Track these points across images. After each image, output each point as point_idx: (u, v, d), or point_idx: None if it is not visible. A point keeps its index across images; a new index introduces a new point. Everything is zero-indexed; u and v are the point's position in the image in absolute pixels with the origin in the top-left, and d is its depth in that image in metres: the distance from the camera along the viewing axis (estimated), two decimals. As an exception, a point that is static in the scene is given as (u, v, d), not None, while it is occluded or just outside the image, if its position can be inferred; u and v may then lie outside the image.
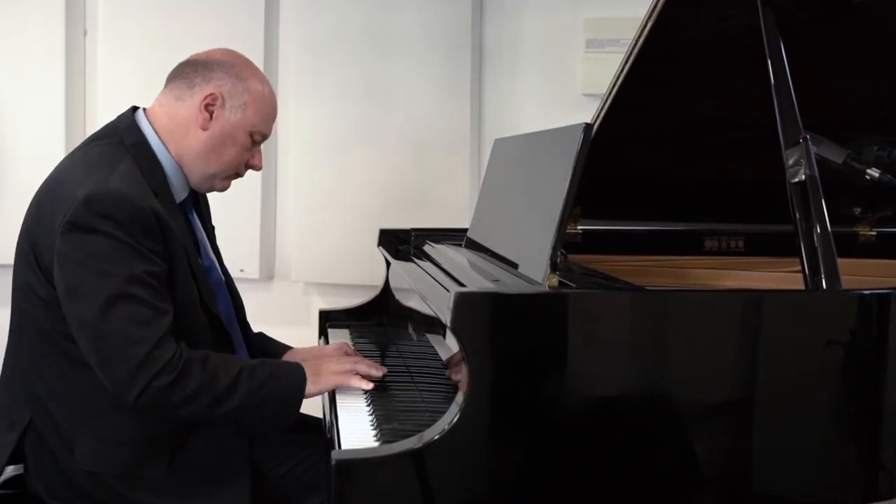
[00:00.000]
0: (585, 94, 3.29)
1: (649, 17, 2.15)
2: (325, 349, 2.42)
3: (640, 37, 2.20)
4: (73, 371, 1.97)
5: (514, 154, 2.35)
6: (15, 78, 3.52)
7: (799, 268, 1.79)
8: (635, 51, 2.22)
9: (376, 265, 2.93)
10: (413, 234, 2.85)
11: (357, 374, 2.09)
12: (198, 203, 2.28)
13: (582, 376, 1.67)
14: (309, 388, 2.02)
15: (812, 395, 1.72)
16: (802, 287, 1.78)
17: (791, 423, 1.72)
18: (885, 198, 2.67)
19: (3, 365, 2.13)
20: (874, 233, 2.77)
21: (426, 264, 2.36)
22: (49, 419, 2.02)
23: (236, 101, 2.11)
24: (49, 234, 1.95)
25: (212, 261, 2.26)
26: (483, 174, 2.70)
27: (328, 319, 2.88)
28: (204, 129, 2.10)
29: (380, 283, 2.87)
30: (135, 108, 2.17)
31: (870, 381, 1.73)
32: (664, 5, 2.10)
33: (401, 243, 2.85)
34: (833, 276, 1.74)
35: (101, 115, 3.49)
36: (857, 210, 2.76)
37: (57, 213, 1.94)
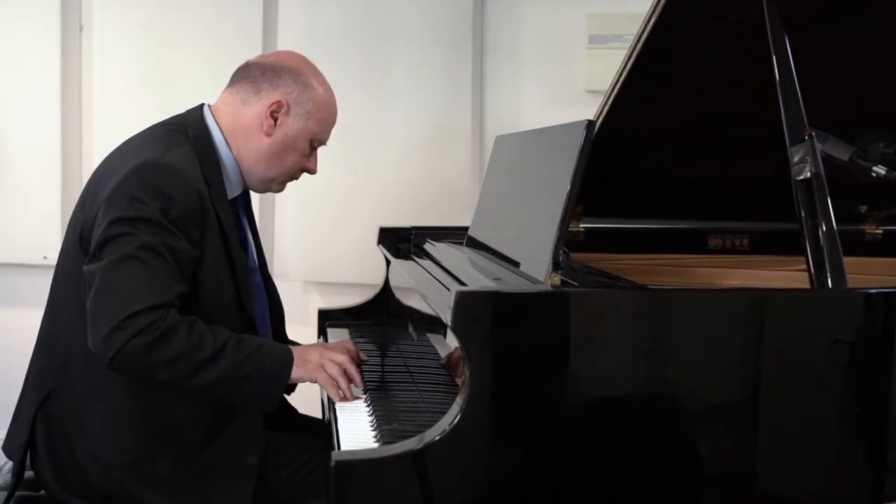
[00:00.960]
0: (588, 91, 3.29)
1: (653, 12, 2.15)
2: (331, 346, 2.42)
3: (643, 32, 2.20)
4: (92, 353, 1.97)
5: (516, 151, 2.35)
6: (10, 73, 3.51)
7: (804, 266, 1.79)
8: (638, 47, 2.22)
9: (376, 264, 2.93)
10: (413, 232, 2.85)
11: (336, 383, 2.05)
12: (248, 205, 2.32)
13: (584, 376, 1.67)
14: (295, 371, 2.02)
15: (817, 396, 1.72)
16: (808, 286, 1.78)
17: (796, 424, 1.72)
18: (891, 195, 2.67)
19: (39, 332, 2.17)
20: (880, 231, 2.77)
21: (427, 263, 2.36)
22: (68, 395, 2.05)
23: (301, 110, 2.16)
24: (96, 203, 1.99)
25: (255, 263, 2.29)
26: (484, 172, 2.70)
27: (327, 319, 2.88)
28: (268, 135, 2.15)
29: (380, 281, 2.88)
30: (202, 105, 2.21)
31: (876, 381, 1.73)
32: (668, 1, 2.10)
33: (401, 241, 2.85)
34: (839, 275, 1.74)
35: (97, 111, 3.50)
36: (863, 208, 2.76)
37: (107, 184, 1.99)
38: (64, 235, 2.18)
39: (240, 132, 2.15)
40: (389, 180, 3.40)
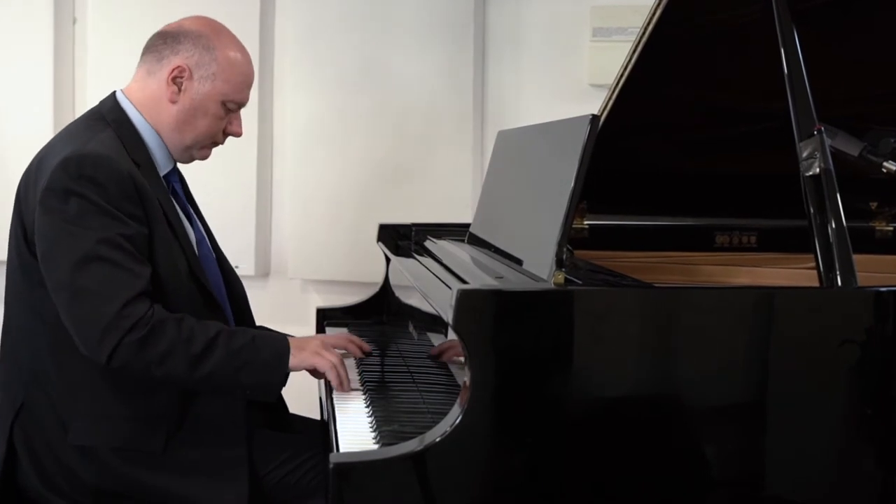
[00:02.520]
0: (592, 85, 3.29)
1: (658, 4, 2.15)
2: (331, 337, 2.43)
3: (648, 25, 2.20)
4: (66, 346, 2.00)
5: (519, 146, 2.35)
6: (1, 67, 3.52)
7: (813, 264, 1.79)
8: (644, 39, 2.22)
9: (376, 261, 2.93)
10: (414, 229, 2.85)
11: (335, 369, 2.10)
12: (184, 181, 2.33)
13: (588, 376, 1.67)
14: (291, 359, 2.05)
15: (826, 396, 1.72)
16: (816, 284, 1.78)
17: (804, 425, 1.71)
18: (901, 192, 2.67)
19: (1, 346, 2.18)
20: (891, 228, 2.77)
21: (427, 260, 2.36)
22: (44, 398, 2.06)
23: (204, 72, 2.16)
24: (32, 205, 2.02)
25: (202, 234, 2.30)
26: (486, 167, 2.70)
27: (326, 318, 2.88)
28: (173, 102, 2.16)
29: (379, 280, 2.88)
30: (114, 91, 2.23)
31: (886, 382, 1.73)
32: (673, -8, 2.10)
33: (401, 239, 2.85)
34: (848, 273, 1.73)
35: (91, 104, 3.47)
36: (874, 204, 2.76)
37: (39, 183, 2.01)
38: (8, 241, 2.16)
39: (150, 104, 2.17)
40: (389, 176, 3.40)
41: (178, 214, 2.16)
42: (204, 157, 2.28)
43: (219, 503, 2.01)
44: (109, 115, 2.16)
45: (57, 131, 3.42)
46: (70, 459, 2.04)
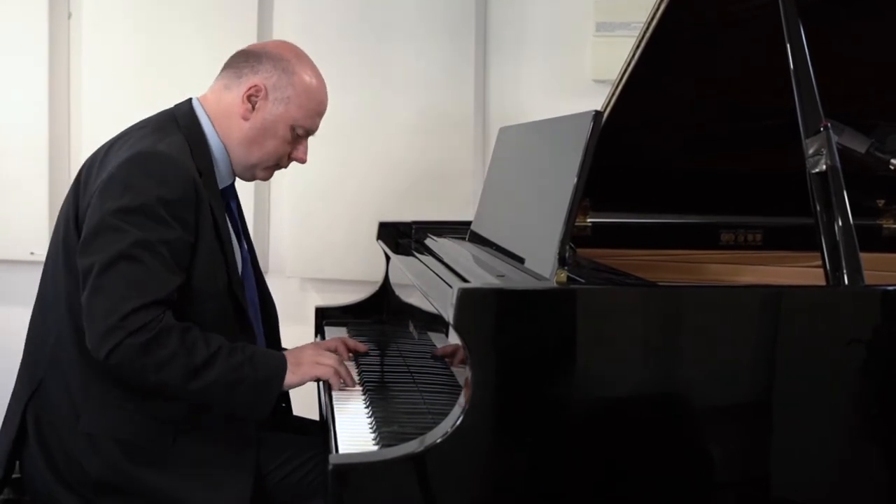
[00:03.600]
0: (595, 80, 3.28)
1: (662, -1, 2.15)
2: (323, 343, 2.44)
3: (652, 19, 2.20)
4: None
5: (520, 143, 2.35)
6: (-5, 62, 3.52)
7: (819, 262, 1.79)
8: (647, 34, 2.22)
9: (375, 260, 2.93)
10: (414, 227, 2.85)
11: (336, 373, 2.14)
12: (237, 197, 2.37)
13: (592, 376, 1.67)
14: (289, 377, 2.08)
15: (833, 397, 1.72)
16: (823, 283, 1.78)
17: (810, 426, 1.72)
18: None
19: (29, 326, 2.22)
20: (899, 226, 2.77)
21: (428, 259, 2.36)
22: (60, 383, 2.10)
23: (280, 95, 2.22)
24: (90, 191, 2.06)
25: (247, 254, 2.34)
26: (487, 164, 2.70)
27: (325, 317, 2.88)
28: (245, 119, 2.21)
29: (379, 278, 2.88)
30: (191, 98, 2.27)
31: (894, 382, 1.73)
32: (678, -14, 2.10)
33: (401, 237, 2.85)
34: (855, 271, 1.73)
35: (87, 101, 3.50)
36: (881, 202, 2.76)
37: (102, 171, 2.07)
38: (53, 228, 2.20)
39: (223, 117, 2.22)
40: (389, 173, 3.40)
41: (228, 230, 2.19)
42: (265, 178, 2.34)
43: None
44: (182, 119, 2.20)
45: (52, 126, 3.50)
46: (76, 448, 2.06)
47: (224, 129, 2.22)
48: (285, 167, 2.34)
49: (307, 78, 2.25)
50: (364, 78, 3.38)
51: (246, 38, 3.30)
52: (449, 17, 3.34)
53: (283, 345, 2.44)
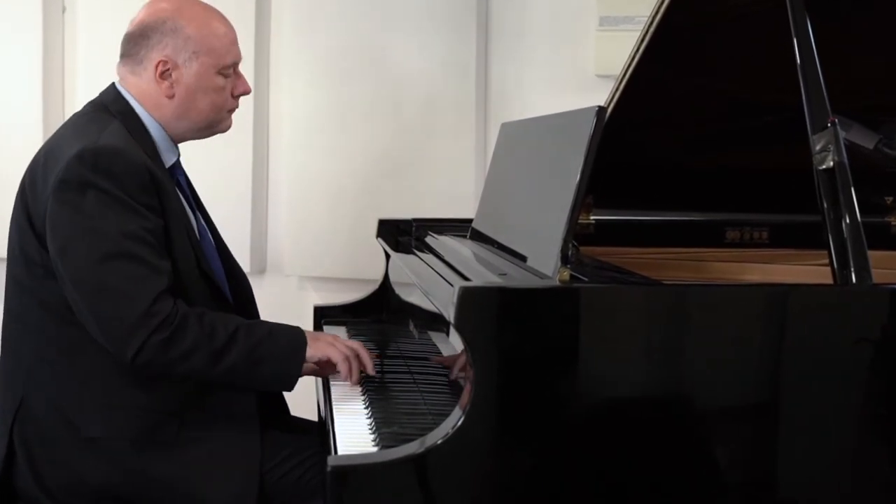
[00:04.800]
0: (598, 75, 3.28)
1: (667, -8, 2.15)
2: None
3: (657, 13, 2.20)
4: (76, 338, 2.04)
5: (523, 139, 2.35)
6: (-11, 56, 3.52)
7: (827, 261, 1.79)
8: (652, 28, 2.22)
9: (375, 258, 2.93)
10: (414, 224, 2.85)
11: (347, 359, 2.14)
12: (184, 173, 2.35)
13: (595, 377, 1.67)
14: (308, 350, 2.10)
15: (841, 397, 1.72)
16: (830, 281, 1.78)
17: (817, 427, 1.72)
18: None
19: (1, 339, 2.21)
20: (907, 223, 2.77)
21: (428, 257, 2.36)
22: (43, 396, 2.08)
23: (186, 55, 2.19)
24: (43, 197, 2.04)
25: (204, 227, 2.33)
26: (489, 161, 2.70)
27: (323, 316, 2.88)
28: (170, 97, 2.19)
29: (379, 277, 2.88)
30: (112, 83, 2.26)
31: (903, 382, 1.73)
32: (683, -21, 2.10)
33: (401, 234, 2.85)
34: (863, 270, 1.73)
35: (81, 95, 3.49)
36: (889, 199, 2.76)
37: (49, 175, 2.04)
38: (8, 234, 2.19)
39: (150, 100, 2.20)
40: (389, 170, 3.40)
41: (183, 206, 2.19)
42: (224, 130, 2.31)
43: (226, 496, 2.04)
44: (113, 106, 2.19)
45: (46, 121, 3.50)
46: (74, 459, 2.05)
47: (156, 111, 2.19)
48: (237, 107, 2.31)
49: (197, 23, 2.20)
50: (363, 71, 3.38)
51: (243, 29, 3.30)
52: (450, 10, 3.34)
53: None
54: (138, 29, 2.21)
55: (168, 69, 2.17)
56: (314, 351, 2.12)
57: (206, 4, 2.27)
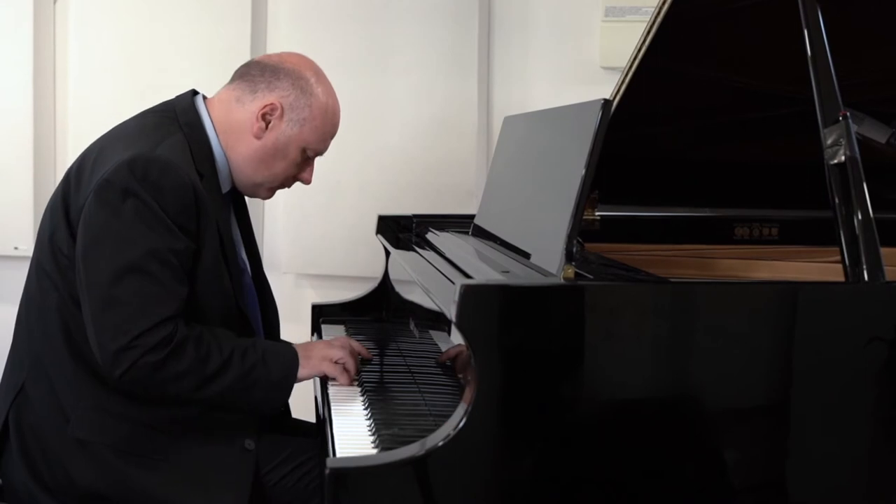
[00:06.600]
0: (604, 67, 3.28)
1: (674, -19, 2.15)
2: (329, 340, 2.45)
3: (663, 4, 2.20)
4: (83, 333, 2.03)
5: (526, 133, 2.35)
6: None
7: (838, 258, 1.79)
8: (658, 19, 2.22)
9: (375, 255, 2.93)
10: (415, 220, 2.85)
11: (345, 369, 2.18)
12: (239, 203, 2.37)
13: (600, 376, 1.68)
14: (300, 371, 2.12)
15: (853, 397, 1.72)
16: (842, 279, 1.78)
17: (829, 428, 1.72)
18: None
19: (16, 324, 2.22)
20: (921, 219, 2.77)
21: (429, 254, 2.36)
22: (44, 385, 2.09)
23: (296, 116, 2.19)
24: (85, 190, 2.05)
25: (245, 262, 2.34)
26: (491, 155, 2.70)
27: (322, 314, 2.88)
28: (257, 137, 2.19)
29: (378, 274, 2.88)
30: (195, 92, 2.25)
31: (916, 382, 1.74)
32: (690, -31, 2.10)
33: (401, 231, 2.85)
34: (876, 267, 1.73)
35: (73, 90, 3.50)
36: (902, 194, 2.76)
37: (98, 170, 2.05)
38: (40, 223, 2.21)
39: (231, 130, 2.19)
40: (389, 164, 3.40)
41: (231, 236, 2.20)
42: (266, 198, 2.34)
43: None
44: (183, 116, 2.17)
45: (36, 114, 3.50)
46: (64, 455, 2.06)
47: (230, 143, 2.19)
48: (288, 187, 2.33)
49: (325, 99, 2.22)
50: (363, 64, 3.38)
51: (239, 23, 3.30)
52: (452, 3, 3.34)
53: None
54: (274, 64, 2.22)
55: (273, 115, 2.17)
56: (308, 370, 2.14)
57: (335, 92, 2.27)
